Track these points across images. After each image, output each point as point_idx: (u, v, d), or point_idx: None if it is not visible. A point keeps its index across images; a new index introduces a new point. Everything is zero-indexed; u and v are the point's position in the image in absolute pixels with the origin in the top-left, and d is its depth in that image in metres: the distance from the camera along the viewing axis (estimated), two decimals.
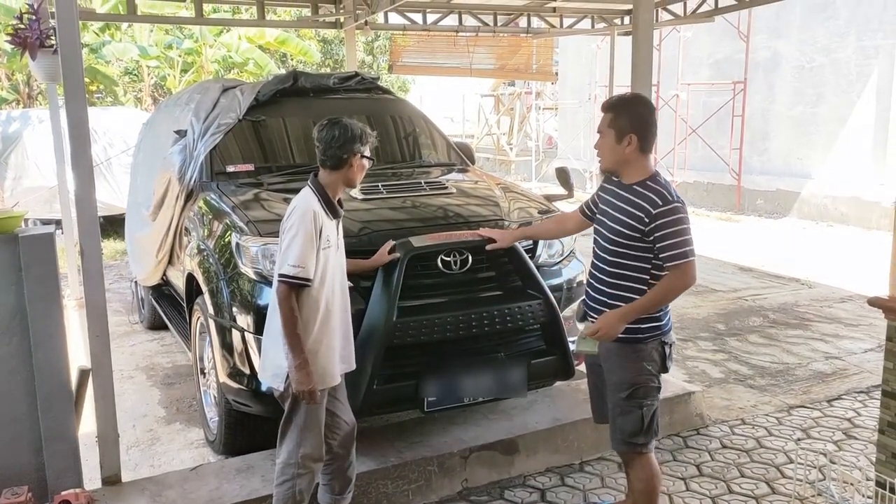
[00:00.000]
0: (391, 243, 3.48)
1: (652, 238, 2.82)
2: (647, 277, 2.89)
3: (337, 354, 3.00)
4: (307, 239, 2.82)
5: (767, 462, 3.94)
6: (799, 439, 4.20)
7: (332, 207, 2.95)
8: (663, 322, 2.94)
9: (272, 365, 2.96)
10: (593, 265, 3.04)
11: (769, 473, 3.82)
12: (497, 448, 3.81)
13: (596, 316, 2.96)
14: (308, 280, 2.82)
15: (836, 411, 4.59)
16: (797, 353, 5.69)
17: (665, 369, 2.99)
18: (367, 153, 3.02)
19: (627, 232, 2.86)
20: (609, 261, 2.95)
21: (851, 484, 2.51)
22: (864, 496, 2.45)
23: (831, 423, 4.43)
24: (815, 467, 2.77)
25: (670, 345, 2.99)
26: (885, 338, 2.73)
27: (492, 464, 3.78)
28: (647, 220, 2.81)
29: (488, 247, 3.54)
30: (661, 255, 2.82)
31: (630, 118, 2.89)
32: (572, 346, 3.09)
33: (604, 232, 2.98)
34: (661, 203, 2.80)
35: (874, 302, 2.48)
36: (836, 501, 2.31)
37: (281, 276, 2.82)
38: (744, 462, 3.94)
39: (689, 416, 4.35)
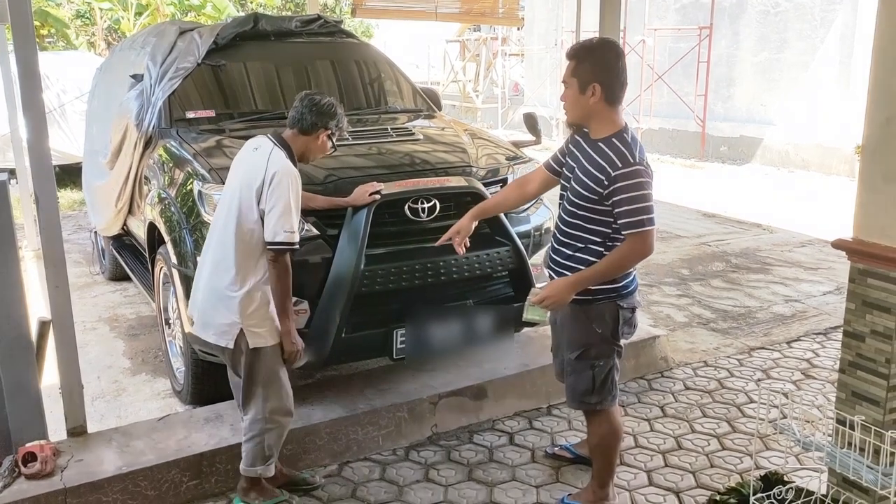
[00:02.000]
0: (375, 185, 3.43)
1: (611, 202, 2.65)
2: (608, 243, 2.74)
3: None
4: (297, 204, 2.82)
5: (729, 402, 4.04)
6: (759, 380, 4.32)
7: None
8: (619, 285, 2.79)
9: (216, 323, 2.91)
10: (556, 225, 2.91)
11: (731, 413, 3.92)
12: (466, 394, 3.85)
13: (556, 276, 2.86)
14: (297, 243, 2.84)
15: (795, 352, 4.71)
16: (758, 296, 5.81)
17: (617, 334, 2.84)
18: (335, 138, 3.04)
19: (586, 194, 2.70)
20: (569, 222, 2.80)
21: (811, 422, 2.58)
22: (823, 433, 2.52)
23: (791, 363, 4.55)
24: (775, 406, 2.86)
25: (630, 309, 2.85)
26: (844, 281, 2.78)
27: (461, 409, 3.82)
28: (606, 182, 2.64)
29: (440, 241, 3.20)
30: (619, 221, 2.66)
31: (593, 65, 2.67)
32: (523, 315, 3.00)
33: (567, 190, 2.82)
34: (620, 165, 2.62)
35: (838, 244, 2.51)
36: (798, 439, 2.39)
37: (278, 244, 2.79)
38: (706, 403, 4.04)
39: (654, 359, 4.44)
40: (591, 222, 2.75)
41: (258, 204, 2.82)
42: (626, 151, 2.65)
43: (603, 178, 2.65)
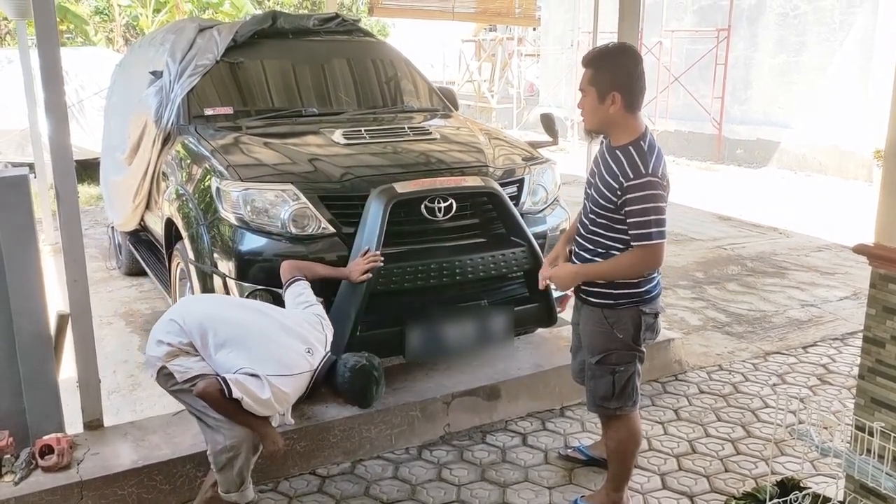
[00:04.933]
0: (371, 260, 3.29)
1: (623, 212, 2.64)
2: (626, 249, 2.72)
3: None
4: (268, 412, 2.70)
5: (744, 407, 4.02)
6: (775, 385, 4.29)
7: (311, 391, 2.79)
8: (641, 290, 2.78)
9: (149, 355, 2.83)
10: (577, 229, 2.91)
11: (745, 417, 3.90)
12: (479, 394, 3.84)
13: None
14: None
15: (811, 357, 4.68)
16: (774, 300, 5.77)
17: (638, 339, 2.82)
18: (354, 404, 2.91)
19: (603, 202, 2.69)
20: (591, 228, 2.80)
21: (826, 428, 2.56)
22: (841, 439, 2.51)
23: (806, 368, 4.51)
24: (791, 412, 2.84)
25: (653, 315, 2.83)
26: (861, 286, 2.75)
27: (474, 409, 3.82)
28: (619, 192, 2.63)
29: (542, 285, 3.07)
30: (629, 232, 2.65)
31: (612, 73, 2.64)
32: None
33: (588, 197, 2.82)
34: (632, 176, 2.59)
35: (859, 249, 2.48)
36: (816, 444, 2.37)
37: (228, 390, 2.60)
38: (720, 407, 4.02)
39: (668, 362, 4.42)
40: (611, 230, 2.73)
41: (242, 360, 2.67)
42: (639, 162, 2.61)
43: (616, 187, 2.64)
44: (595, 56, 2.72)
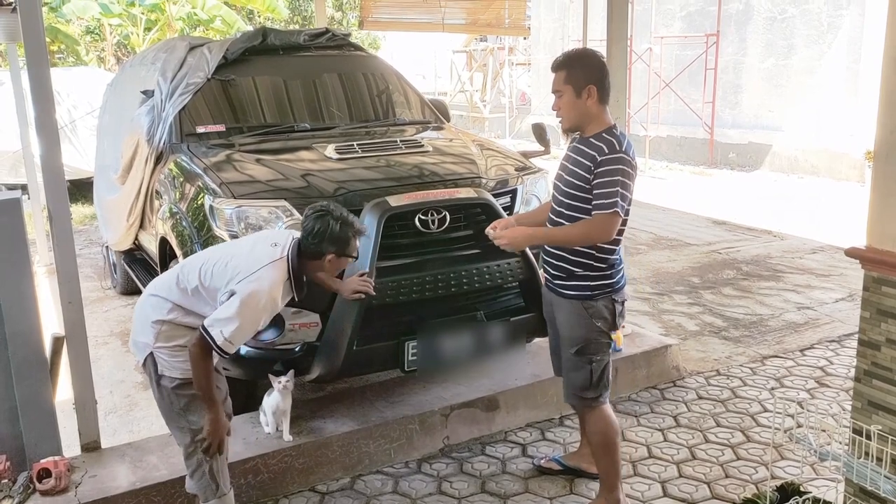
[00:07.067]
0: (365, 282, 3.22)
1: (593, 185, 2.80)
2: None
3: None
4: (254, 324, 2.63)
5: (743, 411, 4.02)
6: (773, 388, 4.29)
7: (298, 287, 2.76)
8: (614, 280, 2.95)
9: (138, 341, 2.81)
10: (549, 217, 3.01)
11: (744, 422, 3.90)
12: (477, 405, 3.84)
13: (550, 269, 3.01)
14: (228, 355, 2.64)
15: (808, 360, 4.68)
16: (770, 304, 5.77)
17: (615, 326, 3.01)
18: (346, 253, 2.79)
19: (577, 182, 2.84)
20: (560, 212, 2.94)
21: (824, 431, 2.56)
22: (839, 443, 2.50)
23: (804, 371, 4.52)
24: (790, 415, 2.84)
25: (622, 302, 3.01)
26: (856, 287, 2.76)
27: (473, 420, 3.81)
28: (592, 168, 2.79)
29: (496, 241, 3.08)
30: (593, 202, 2.79)
31: (585, 70, 2.86)
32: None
33: (559, 185, 2.96)
34: (607, 151, 2.78)
35: (852, 252, 2.49)
36: (814, 449, 2.37)
37: (209, 335, 2.55)
38: (719, 412, 4.02)
39: (666, 368, 4.41)
40: (581, 211, 2.86)
41: (221, 290, 2.64)
42: (614, 142, 2.81)
43: (591, 164, 2.80)
44: (565, 59, 2.94)
